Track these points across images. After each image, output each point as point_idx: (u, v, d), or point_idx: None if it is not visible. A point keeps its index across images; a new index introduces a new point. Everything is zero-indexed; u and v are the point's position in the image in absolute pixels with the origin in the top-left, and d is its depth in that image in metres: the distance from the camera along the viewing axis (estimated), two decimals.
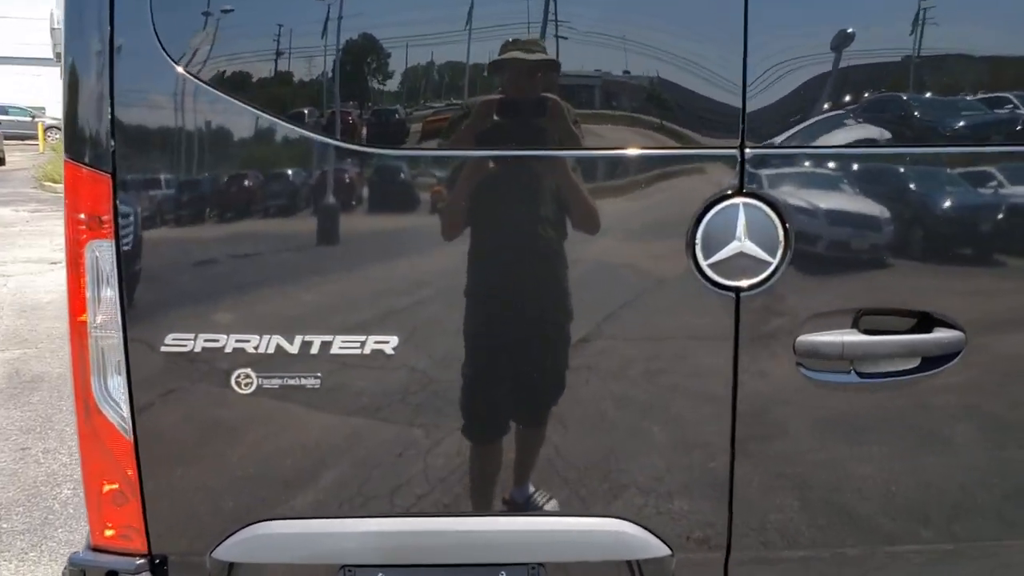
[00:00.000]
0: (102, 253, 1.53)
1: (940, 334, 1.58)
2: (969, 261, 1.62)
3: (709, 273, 1.53)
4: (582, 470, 1.62)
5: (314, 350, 1.53)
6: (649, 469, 1.62)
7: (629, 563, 1.64)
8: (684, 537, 1.63)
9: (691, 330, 1.58)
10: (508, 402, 1.62)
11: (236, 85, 1.50)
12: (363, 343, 1.52)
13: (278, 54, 1.50)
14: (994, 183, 1.60)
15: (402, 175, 1.56)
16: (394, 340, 1.53)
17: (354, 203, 1.55)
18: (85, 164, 1.50)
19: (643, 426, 1.61)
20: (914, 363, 1.61)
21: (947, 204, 1.59)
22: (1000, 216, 1.59)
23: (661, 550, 1.62)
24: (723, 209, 1.52)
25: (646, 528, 1.62)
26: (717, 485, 1.61)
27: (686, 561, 1.63)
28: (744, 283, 1.54)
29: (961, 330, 1.58)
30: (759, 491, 1.63)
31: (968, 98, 1.59)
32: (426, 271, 1.56)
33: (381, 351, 1.53)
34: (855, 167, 1.57)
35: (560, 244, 1.55)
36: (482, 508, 1.64)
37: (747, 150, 1.52)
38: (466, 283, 1.55)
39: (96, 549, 1.64)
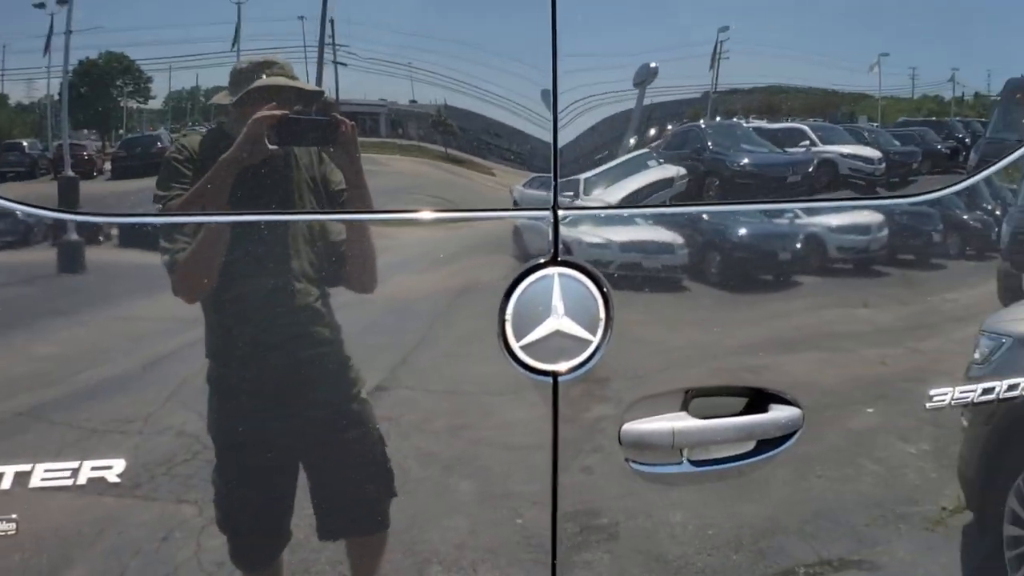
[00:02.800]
0: None
1: (778, 413, 1.42)
2: (804, 330, 1.47)
3: (522, 356, 1.29)
4: None
5: (6, 483, 1.14)
6: None
7: None
8: None
9: (503, 427, 1.33)
10: None
11: None
12: (76, 471, 1.15)
13: None
14: (824, 239, 1.46)
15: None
16: (120, 464, 1.17)
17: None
18: None
19: (444, 539, 1.33)
20: (749, 446, 1.44)
21: (780, 266, 1.44)
22: (837, 275, 1.46)
23: None
24: (535, 282, 1.29)
25: None
26: None
27: None
28: (563, 366, 1.31)
29: (798, 406, 1.43)
30: None
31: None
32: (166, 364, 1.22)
33: (103, 479, 1.16)
34: (682, 228, 1.38)
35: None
36: None
37: (560, 212, 1.30)
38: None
39: None
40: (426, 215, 1.26)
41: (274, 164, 1.21)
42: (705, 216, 1.39)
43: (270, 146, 1.19)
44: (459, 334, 1.29)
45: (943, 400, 1.50)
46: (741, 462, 1.41)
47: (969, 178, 1.50)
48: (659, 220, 1.37)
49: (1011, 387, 1.56)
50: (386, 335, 1.28)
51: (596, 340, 1.30)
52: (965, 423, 1.61)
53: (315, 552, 1.29)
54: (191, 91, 1.22)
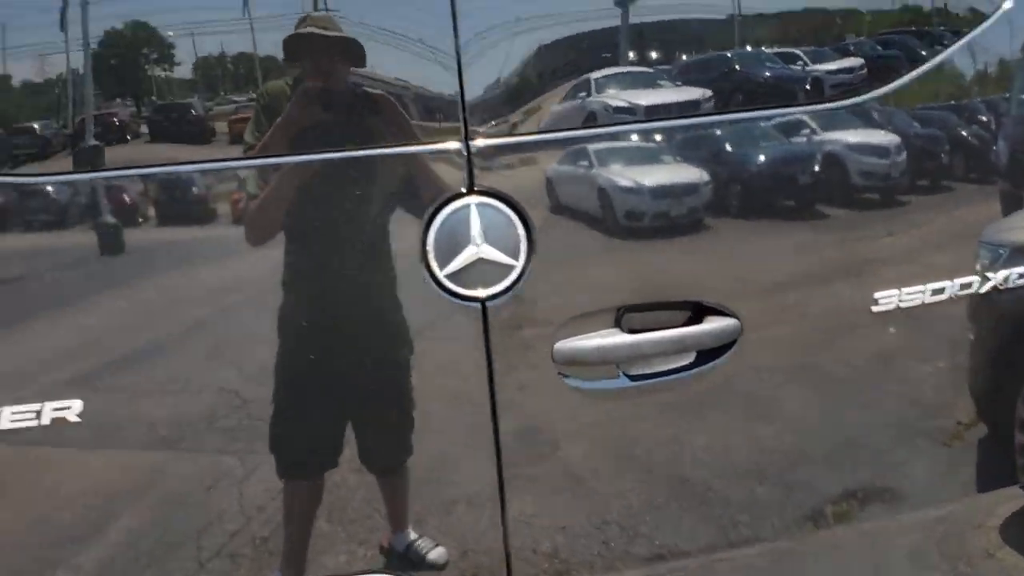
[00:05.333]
0: None
1: (712, 324, 1.45)
2: (736, 241, 1.49)
3: (449, 285, 1.35)
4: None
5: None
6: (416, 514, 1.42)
7: None
8: None
9: (443, 352, 1.40)
10: None
11: None
12: (39, 412, 1.28)
13: None
14: (757, 150, 1.48)
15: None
16: (77, 404, 1.29)
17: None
18: None
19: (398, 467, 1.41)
20: (689, 358, 1.48)
21: (704, 180, 1.46)
22: (763, 187, 1.48)
23: None
24: (454, 212, 1.34)
25: None
26: (490, 522, 1.43)
27: None
28: (489, 291, 1.36)
29: (735, 317, 1.46)
30: (538, 517, 1.46)
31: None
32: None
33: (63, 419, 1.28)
34: (598, 149, 1.41)
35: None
36: None
37: (472, 142, 1.34)
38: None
39: None
40: (339, 155, 1.33)
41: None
42: (621, 137, 1.43)
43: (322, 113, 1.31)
44: (387, 271, 1.36)
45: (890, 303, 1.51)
46: (677, 375, 1.45)
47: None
48: (578, 145, 1.41)
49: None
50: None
51: (520, 265, 1.36)
52: (971, 336, 1.62)
53: (351, 491, 1.40)
54: (218, 57, 1.31)
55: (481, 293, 1.35)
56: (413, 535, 1.42)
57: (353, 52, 1.31)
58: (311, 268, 1.35)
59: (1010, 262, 1.58)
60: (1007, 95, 1.61)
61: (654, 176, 1.43)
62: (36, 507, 1.33)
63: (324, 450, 1.39)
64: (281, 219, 1.32)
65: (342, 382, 1.38)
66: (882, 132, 1.53)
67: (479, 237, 1.34)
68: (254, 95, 1.32)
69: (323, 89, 1.31)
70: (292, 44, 1.31)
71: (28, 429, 1.25)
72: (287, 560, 1.39)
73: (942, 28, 1.55)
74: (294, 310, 1.34)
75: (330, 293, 1.35)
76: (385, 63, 1.33)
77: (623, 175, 1.42)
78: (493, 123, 1.35)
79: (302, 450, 1.39)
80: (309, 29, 1.30)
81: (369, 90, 1.32)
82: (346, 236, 1.34)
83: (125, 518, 1.35)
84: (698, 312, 1.46)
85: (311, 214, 1.33)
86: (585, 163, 1.41)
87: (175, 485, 1.35)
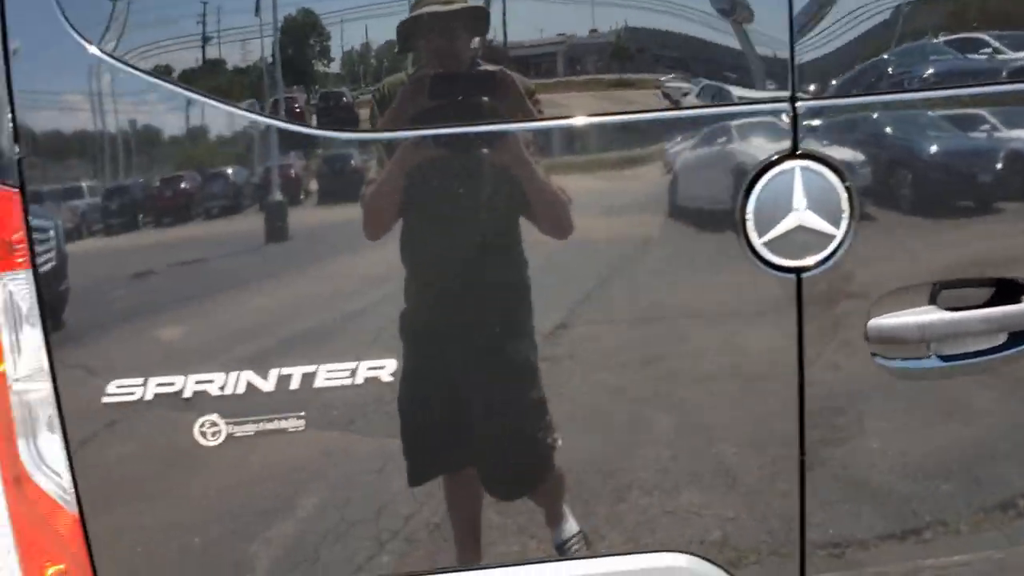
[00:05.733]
0: (17, 286, 1.23)
1: None
2: None
3: (765, 254, 1.28)
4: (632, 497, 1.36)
5: (294, 384, 1.24)
6: (707, 489, 1.36)
7: None
8: (750, 563, 1.38)
9: (750, 325, 1.32)
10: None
11: (172, 70, 1.21)
12: (354, 371, 1.24)
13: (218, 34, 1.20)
14: None
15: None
16: (391, 363, 1.25)
17: (329, 197, 1.27)
18: None
19: (696, 440, 1.35)
20: (1000, 339, 1.38)
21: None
22: None
23: None
24: (776, 176, 1.27)
25: (708, 560, 1.37)
26: (786, 501, 1.36)
27: None
28: (807, 262, 1.29)
29: None
30: (835, 502, 1.38)
31: None
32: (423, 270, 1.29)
33: (376, 379, 1.25)
34: (928, 114, 1.32)
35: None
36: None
37: (799, 103, 1.26)
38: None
39: None
40: (652, 115, 1.26)
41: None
42: (950, 103, 1.33)
43: (431, 100, 1.23)
44: (699, 236, 1.30)
45: None
46: (992, 356, 1.35)
47: None
48: (903, 109, 1.32)
49: None
50: (618, 238, 1.30)
51: (840, 234, 1.28)
52: None
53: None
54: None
55: (809, 261, 1.27)
56: (576, 527, 1.37)
57: (478, 22, 1.22)
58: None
59: None
60: None
61: (980, 144, 1.33)
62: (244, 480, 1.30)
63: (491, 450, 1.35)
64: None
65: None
66: None
67: (802, 203, 1.26)
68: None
69: (440, 75, 1.22)
70: (409, 28, 1.20)
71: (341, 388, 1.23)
72: (460, 548, 1.35)
73: None
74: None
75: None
76: (708, 24, 1.25)
77: (951, 142, 1.33)
78: (820, 84, 1.26)
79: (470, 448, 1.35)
80: (429, 9, 1.20)
81: (488, 68, 1.22)
82: None
83: (310, 497, 1.33)
84: (1008, 290, 1.37)
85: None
86: (912, 128, 1.32)
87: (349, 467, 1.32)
